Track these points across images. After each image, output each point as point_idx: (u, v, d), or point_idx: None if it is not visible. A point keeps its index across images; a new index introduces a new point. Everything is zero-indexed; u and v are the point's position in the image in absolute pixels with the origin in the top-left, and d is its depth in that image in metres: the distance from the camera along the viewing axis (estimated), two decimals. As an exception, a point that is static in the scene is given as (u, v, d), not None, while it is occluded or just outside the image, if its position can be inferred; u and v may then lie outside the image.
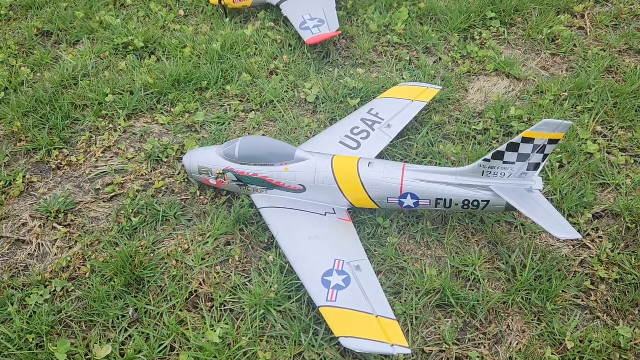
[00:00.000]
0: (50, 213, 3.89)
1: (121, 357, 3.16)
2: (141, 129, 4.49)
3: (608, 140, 4.31)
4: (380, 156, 4.01)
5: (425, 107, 4.42)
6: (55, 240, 3.77)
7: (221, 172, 3.71)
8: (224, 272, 3.56)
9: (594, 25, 5.40)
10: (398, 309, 3.32)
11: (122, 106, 4.64)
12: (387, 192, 3.56)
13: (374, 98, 4.52)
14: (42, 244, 3.76)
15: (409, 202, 3.57)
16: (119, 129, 4.50)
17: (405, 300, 3.40)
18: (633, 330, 3.22)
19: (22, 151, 4.36)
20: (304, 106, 4.67)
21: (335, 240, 3.46)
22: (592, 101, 4.59)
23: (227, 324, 3.29)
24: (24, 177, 4.16)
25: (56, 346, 3.17)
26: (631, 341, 3.18)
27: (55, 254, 3.70)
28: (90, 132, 4.49)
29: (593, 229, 3.76)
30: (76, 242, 3.75)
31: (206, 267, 3.58)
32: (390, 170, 3.58)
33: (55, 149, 4.34)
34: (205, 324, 3.29)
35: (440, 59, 5.07)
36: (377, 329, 2.99)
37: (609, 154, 4.22)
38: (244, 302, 3.37)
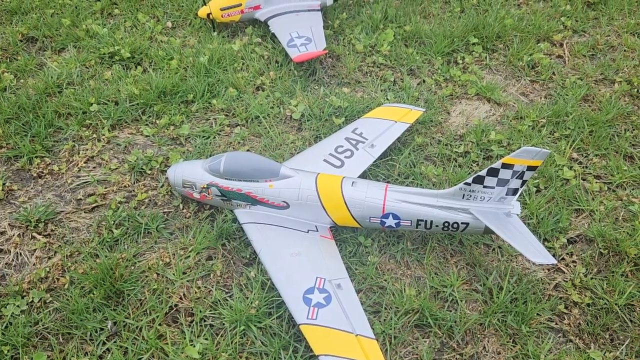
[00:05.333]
0: (30, 222, 3.85)
1: (98, 371, 3.14)
2: (125, 140, 4.48)
3: (583, 167, 4.45)
4: (363, 175, 4.07)
5: (409, 128, 4.51)
6: (34, 250, 3.73)
7: (205, 186, 3.73)
8: (205, 287, 3.56)
9: (572, 54, 5.59)
10: (377, 328, 3.36)
11: (106, 116, 4.62)
12: (370, 211, 3.61)
13: (358, 117, 4.60)
14: (21, 254, 3.72)
15: (390, 222, 3.63)
16: (103, 139, 4.49)
17: (385, 320, 3.44)
18: (604, 354, 3.32)
19: (2, 158, 4.31)
20: (289, 123, 4.72)
21: (317, 257, 3.49)
22: (569, 128, 4.74)
23: (206, 339, 3.28)
24: (4, 184, 4.11)
25: (32, 358, 3.13)
26: (602, 365, 3.28)
27: (34, 264, 3.66)
28: (74, 141, 4.46)
29: (567, 254, 3.86)
30: (56, 252, 3.72)
31: (187, 281, 3.57)
32: (373, 190, 3.64)
33: (36, 157, 4.30)
34: (184, 338, 3.28)
35: (424, 81, 5.19)
36: (356, 347, 3.03)
37: (584, 180, 4.36)
38: (224, 318, 3.38)
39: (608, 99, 5.01)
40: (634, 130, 4.77)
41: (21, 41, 5.44)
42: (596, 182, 4.30)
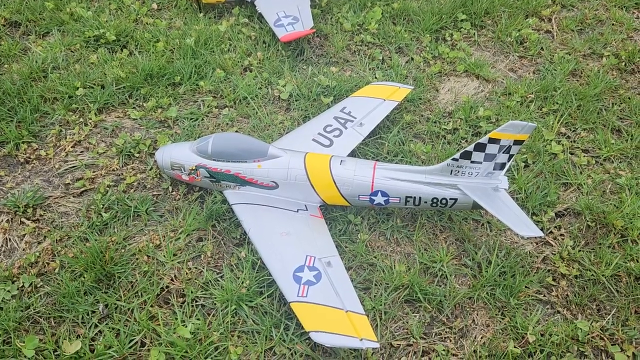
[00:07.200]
0: (18, 207, 3.83)
1: (91, 353, 3.15)
2: (112, 124, 4.46)
3: (571, 142, 4.47)
4: (352, 154, 4.07)
5: (397, 106, 4.50)
6: (24, 235, 3.72)
7: (194, 168, 3.72)
8: (196, 268, 3.58)
9: (560, 29, 5.57)
10: (367, 304, 3.39)
11: (93, 100, 4.58)
12: (359, 189, 3.62)
13: (346, 96, 4.58)
14: (10, 239, 3.71)
15: (379, 199, 3.65)
16: (90, 123, 4.45)
17: (375, 296, 3.47)
18: (590, 324, 3.37)
19: (-12, 144, 4.29)
20: (278, 103, 4.70)
21: (307, 236, 3.51)
22: (557, 103, 4.75)
23: (198, 319, 3.31)
24: (-9, 170, 4.09)
25: (24, 342, 3.14)
26: (588, 334, 3.33)
27: (24, 249, 3.65)
28: (60, 125, 4.43)
29: (555, 227, 3.90)
30: (45, 237, 3.71)
31: (178, 262, 3.58)
32: (362, 168, 3.65)
33: (23, 142, 4.27)
34: (176, 319, 3.30)
35: (412, 59, 5.16)
36: (346, 323, 3.05)
37: (571, 154, 4.37)
38: (215, 298, 3.40)
39: (596, 73, 5.01)
40: (621, 103, 4.79)
41: (4, 26, 5.36)
42: (584, 156, 4.32)
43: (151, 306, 3.37)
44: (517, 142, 3.36)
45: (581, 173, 4.22)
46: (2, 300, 3.35)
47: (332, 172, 3.63)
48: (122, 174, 4.11)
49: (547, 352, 3.24)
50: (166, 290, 3.47)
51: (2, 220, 3.80)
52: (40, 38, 5.27)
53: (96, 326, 3.29)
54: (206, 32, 5.17)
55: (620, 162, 4.32)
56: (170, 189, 4.00)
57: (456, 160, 3.49)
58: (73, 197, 3.97)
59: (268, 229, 3.52)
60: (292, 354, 3.19)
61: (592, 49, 5.33)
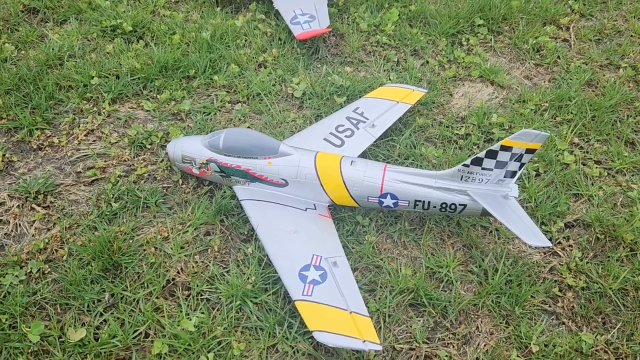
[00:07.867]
0: (30, 193, 3.87)
1: (95, 341, 3.17)
2: (126, 114, 4.48)
3: (584, 152, 4.44)
4: (363, 155, 4.07)
5: (410, 109, 4.49)
6: (33, 221, 3.76)
7: (204, 162, 3.73)
8: (202, 262, 3.59)
9: (578, 39, 5.53)
10: (372, 306, 3.39)
11: (107, 90, 4.61)
12: (368, 191, 3.62)
13: (360, 97, 4.58)
14: (20, 224, 3.74)
15: (388, 202, 3.64)
16: (103, 112, 4.48)
17: (380, 298, 3.47)
18: (595, 337, 3.35)
19: (2, 129, 4.31)
20: (291, 101, 4.70)
21: (314, 235, 3.51)
22: (571, 113, 4.71)
23: (202, 313, 3.32)
24: (4, 155, 4.11)
25: (29, 327, 3.17)
26: (592, 347, 3.31)
27: (33, 235, 3.68)
28: (74, 114, 4.46)
29: (564, 238, 3.87)
30: (54, 224, 3.74)
31: (185, 255, 3.60)
32: (372, 169, 3.64)
33: (37, 129, 4.30)
34: (181, 312, 3.32)
35: (428, 62, 5.14)
36: (350, 324, 3.05)
37: (584, 165, 4.34)
38: (220, 292, 3.41)
39: (612, 84, 4.97)
40: (636, 116, 4.75)
41: (22, 12, 5.40)
42: (596, 167, 4.29)
43: (156, 298, 3.38)
44: (529, 151, 3.34)
45: (592, 184, 4.19)
46: (9, 285, 3.38)
47: (342, 173, 3.63)
48: (133, 164, 4.13)
49: (550, 363, 3.23)
50: (172, 282, 3.49)
51: (12, 206, 3.83)
52: (57, 26, 5.31)
53: (101, 315, 3.31)
54: (222, 26, 5.18)
55: (633, 175, 4.29)
56: (180, 181, 4.02)
57: (467, 166, 3.48)
58: (84, 185, 4.00)
59: (276, 226, 3.53)
60: (294, 352, 3.20)
61: (609, 59, 5.29)
